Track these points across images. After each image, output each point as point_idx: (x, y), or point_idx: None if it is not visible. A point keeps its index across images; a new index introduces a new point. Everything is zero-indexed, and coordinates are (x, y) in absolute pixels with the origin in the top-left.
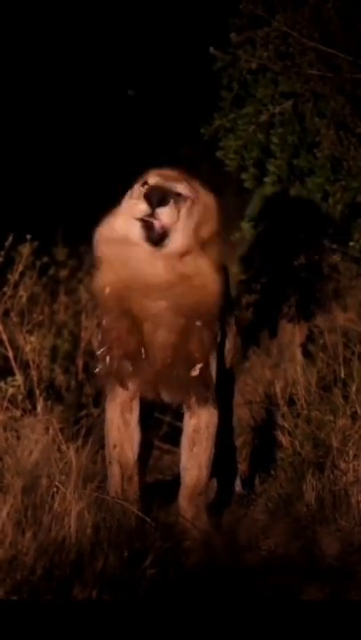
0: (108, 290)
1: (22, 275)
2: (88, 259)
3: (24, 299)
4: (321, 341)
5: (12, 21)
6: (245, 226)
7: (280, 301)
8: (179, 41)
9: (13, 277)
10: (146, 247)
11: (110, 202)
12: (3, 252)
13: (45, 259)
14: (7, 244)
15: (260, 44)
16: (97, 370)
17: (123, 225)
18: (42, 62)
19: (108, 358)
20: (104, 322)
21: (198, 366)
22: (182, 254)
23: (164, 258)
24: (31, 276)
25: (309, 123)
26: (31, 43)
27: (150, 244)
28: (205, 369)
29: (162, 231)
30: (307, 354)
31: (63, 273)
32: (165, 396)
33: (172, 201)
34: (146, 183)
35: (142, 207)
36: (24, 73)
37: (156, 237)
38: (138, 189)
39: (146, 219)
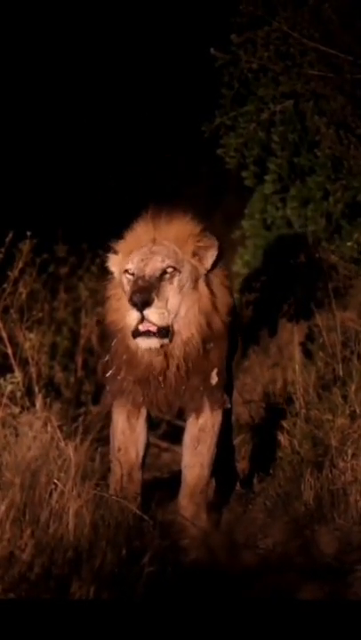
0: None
1: (22, 272)
2: (88, 256)
3: (24, 296)
4: (320, 341)
5: (13, 23)
6: (246, 225)
7: (279, 301)
8: (180, 40)
9: (13, 274)
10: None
11: (110, 200)
12: (3, 249)
13: (45, 256)
14: (7, 240)
15: (260, 44)
16: (107, 387)
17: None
18: (43, 58)
19: (119, 378)
20: (114, 343)
21: (215, 372)
22: (195, 313)
23: None
24: (31, 273)
25: (310, 122)
26: (33, 40)
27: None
28: (222, 373)
29: (157, 331)
30: (306, 353)
31: (63, 270)
32: (179, 405)
33: (155, 298)
34: (127, 271)
35: (133, 315)
36: (25, 70)
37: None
38: (123, 277)
39: (141, 327)
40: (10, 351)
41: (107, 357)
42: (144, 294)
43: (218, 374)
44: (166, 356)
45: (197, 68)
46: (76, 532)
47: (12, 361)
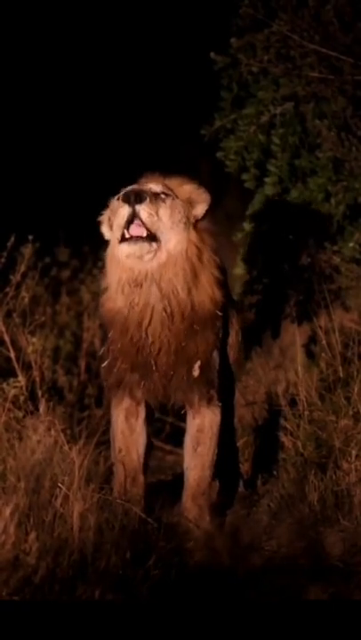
0: (112, 308)
1: (24, 275)
2: (90, 259)
3: (26, 299)
4: (323, 342)
5: (14, 23)
6: (247, 226)
7: (282, 302)
8: (179, 42)
9: (15, 278)
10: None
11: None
12: (5, 253)
13: (47, 259)
14: (9, 244)
15: (260, 47)
16: (104, 380)
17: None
18: (44, 63)
19: (115, 370)
20: (110, 335)
21: (197, 365)
22: (183, 251)
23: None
24: (33, 277)
25: (310, 124)
26: (34, 44)
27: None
28: (207, 367)
29: (146, 236)
30: (308, 354)
31: (65, 274)
32: (173, 398)
33: (148, 198)
34: (118, 198)
35: (123, 211)
36: (26, 73)
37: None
38: (115, 204)
39: (129, 231)
40: (13, 355)
41: (102, 350)
42: (137, 190)
43: (200, 367)
44: (145, 290)
45: (197, 71)
46: (80, 535)
47: (15, 365)
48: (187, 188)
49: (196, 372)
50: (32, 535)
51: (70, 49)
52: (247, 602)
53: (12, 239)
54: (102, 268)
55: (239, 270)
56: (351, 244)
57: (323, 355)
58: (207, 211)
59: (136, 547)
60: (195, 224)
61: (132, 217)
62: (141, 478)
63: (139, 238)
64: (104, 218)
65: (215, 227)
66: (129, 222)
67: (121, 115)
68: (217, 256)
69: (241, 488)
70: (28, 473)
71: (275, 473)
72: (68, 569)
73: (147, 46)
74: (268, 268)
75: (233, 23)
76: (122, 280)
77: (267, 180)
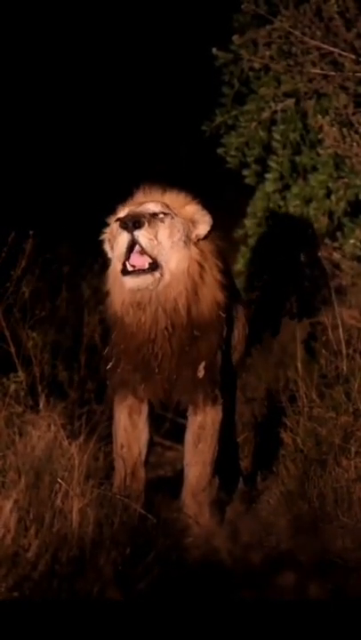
0: (116, 312)
1: (25, 271)
2: (90, 255)
3: (26, 295)
4: (323, 339)
5: (13, 22)
6: (248, 223)
7: (282, 299)
8: (181, 38)
9: (16, 273)
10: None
11: (111, 200)
12: (5, 248)
13: (48, 255)
14: (10, 239)
15: (262, 43)
16: (108, 380)
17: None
18: (45, 56)
19: (119, 370)
20: (113, 336)
21: (202, 366)
22: (185, 270)
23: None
24: (34, 272)
25: (312, 120)
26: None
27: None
28: (211, 368)
29: (148, 266)
30: (309, 351)
31: (65, 269)
32: (176, 397)
33: (146, 223)
34: (118, 219)
35: (123, 238)
36: (26, 68)
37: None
38: (115, 227)
39: (130, 262)
40: (13, 350)
41: (106, 350)
42: (135, 216)
43: (205, 368)
44: (153, 309)
45: (198, 67)
46: (80, 530)
47: (15, 360)
48: (189, 210)
49: (201, 374)
50: (32, 530)
51: (70, 47)
52: (246, 598)
53: (13, 234)
54: (103, 266)
55: (239, 266)
56: (352, 241)
57: (323, 351)
58: (210, 230)
59: (136, 542)
60: (197, 244)
61: (132, 243)
62: (142, 474)
63: (141, 271)
64: (106, 237)
65: (219, 231)
66: (129, 250)
67: (122, 109)
68: (220, 259)
69: (240, 484)
70: (27, 468)
71: (274, 469)
72: (68, 564)
73: (148, 43)
74: (269, 265)
75: (235, 19)
76: (125, 302)
77: (268, 176)
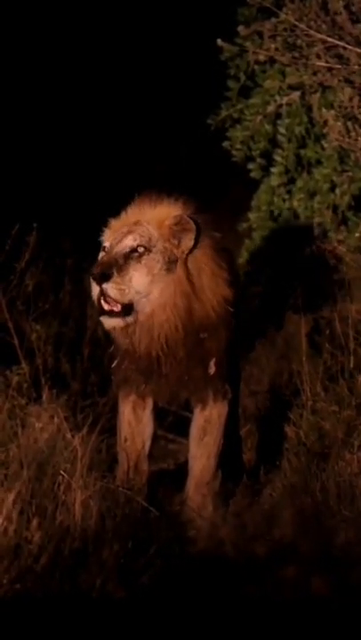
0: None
1: (28, 263)
2: (93, 248)
3: (30, 287)
4: (327, 332)
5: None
6: (252, 216)
7: (286, 292)
8: (186, 31)
9: (20, 266)
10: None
11: (114, 193)
12: (9, 241)
13: (51, 248)
14: (14, 232)
15: (267, 36)
16: (113, 376)
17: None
18: (46, 49)
19: (122, 368)
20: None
21: (212, 362)
22: (170, 295)
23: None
24: (37, 265)
25: (317, 114)
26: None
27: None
28: (221, 363)
29: (121, 309)
30: (312, 345)
31: (69, 262)
32: (185, 396)
33: (114, 274)
34: (103, 248)
35: (94, 289)
36: (27, 63)
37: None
38: (108, 233)
39: (105, 306)
40: (16, 342)
41: (112, 348)
42: (103, 268)
43: (216, 364)
44: (138, 337)
45: (204, 60)
46: (82, 523)
47: (19, 352)
48: (167, 224)
49: (212, 370)
50: (34, 523)
51: (73, 39)
52: (249, 591)
53: (17, 227)
54: None
55: (244, 260)
56: (356, 235)
57: (327, 345)
58: (196, 240)
59: (138, 535)
60: (186, 260)
61: (102, 294)
62: (145, 467)
63: (113, 313)
64: (105, 238)
65: (220, 224)
66: (100, 299)
67: (125, 104)
68: (221, 256)
69: (243, 478)
70: (30, 460)
71: (277, 463)
72: (70, 557)
73: (153, 36)
74: (273, 258)
75: (240, 12)
76: (115, 330)
77: (272, 169)
